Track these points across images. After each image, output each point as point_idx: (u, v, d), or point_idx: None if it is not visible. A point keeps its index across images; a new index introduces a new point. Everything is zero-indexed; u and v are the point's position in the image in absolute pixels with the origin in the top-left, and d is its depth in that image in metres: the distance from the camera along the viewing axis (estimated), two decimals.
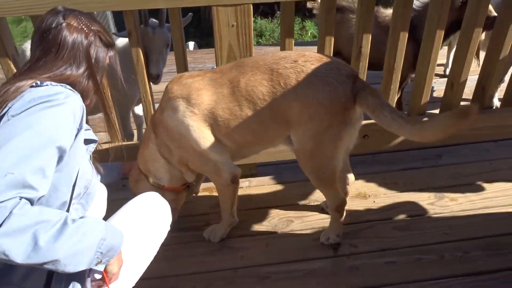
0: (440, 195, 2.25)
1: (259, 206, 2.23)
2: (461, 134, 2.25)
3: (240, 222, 2.09)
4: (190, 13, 2.43)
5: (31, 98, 1.07)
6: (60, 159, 1.07)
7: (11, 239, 0.89)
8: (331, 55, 2.09)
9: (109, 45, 1.34)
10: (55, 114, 1.07)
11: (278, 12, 6.75)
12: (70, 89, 1.17)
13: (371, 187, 2.33)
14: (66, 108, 1.10)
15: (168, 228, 1.51)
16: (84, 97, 1.25)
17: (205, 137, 1.71)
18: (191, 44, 5.52)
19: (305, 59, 1.65)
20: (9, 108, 1.07)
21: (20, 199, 0.92)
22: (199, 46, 5.68)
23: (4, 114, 1.06)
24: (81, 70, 1.25)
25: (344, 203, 1.90)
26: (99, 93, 1.33)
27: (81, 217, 1.07)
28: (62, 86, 1.15)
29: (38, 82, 1.13)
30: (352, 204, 2.20)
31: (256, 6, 1.91)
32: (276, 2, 2.00)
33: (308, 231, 2.07)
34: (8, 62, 1.95)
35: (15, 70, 1.99)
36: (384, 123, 1.60)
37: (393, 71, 2.19)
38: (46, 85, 1.13)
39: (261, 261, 1.93)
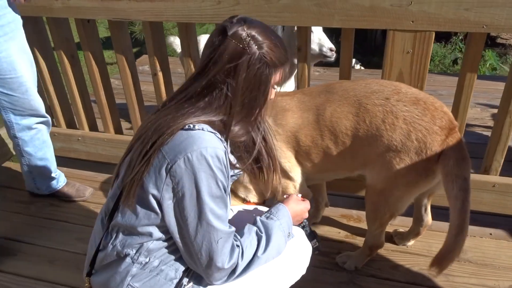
0: None
1: (401, 249, 2.03)
2: None
3: (374, 261, 1.94)
4: None
5: (183, 150, 1.10)
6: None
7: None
8: None
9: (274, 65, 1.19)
10: (213, 181, 1.12)
11: (454, 37, 6.16)
12: (218, 138, 1.16)
13: None
14: (218, 173, 1.12)
15: (303, 272, 1.43)
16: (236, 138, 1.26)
17: (286, 157, 1.71)
18: (352, 61, 5.48)
19: (399, 98, 1.54)
20: (166, 155, 1.11)
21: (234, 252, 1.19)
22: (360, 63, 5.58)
23: (161, 155, 1.11)
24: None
25: (380, 246, 1.85)
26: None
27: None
28: (211, 133, 1.15)
29: (191, 126, 1.13)
30: None
31: None
32: None
33: None
34: (190, 61, 2.19)
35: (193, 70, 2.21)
36: (447, 193, 1.49)
37: None
38: (198, 129, 1.13)
39: None
